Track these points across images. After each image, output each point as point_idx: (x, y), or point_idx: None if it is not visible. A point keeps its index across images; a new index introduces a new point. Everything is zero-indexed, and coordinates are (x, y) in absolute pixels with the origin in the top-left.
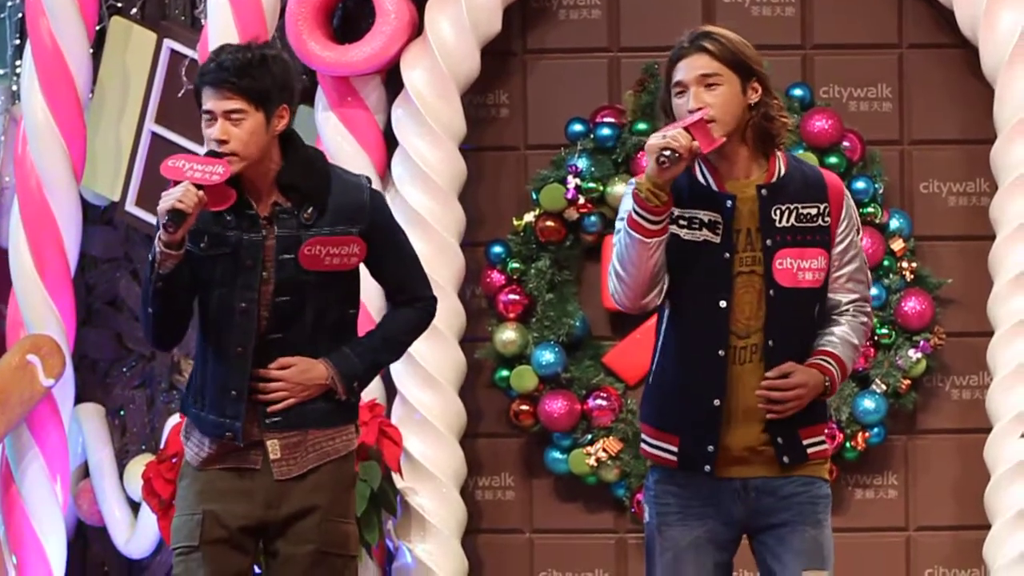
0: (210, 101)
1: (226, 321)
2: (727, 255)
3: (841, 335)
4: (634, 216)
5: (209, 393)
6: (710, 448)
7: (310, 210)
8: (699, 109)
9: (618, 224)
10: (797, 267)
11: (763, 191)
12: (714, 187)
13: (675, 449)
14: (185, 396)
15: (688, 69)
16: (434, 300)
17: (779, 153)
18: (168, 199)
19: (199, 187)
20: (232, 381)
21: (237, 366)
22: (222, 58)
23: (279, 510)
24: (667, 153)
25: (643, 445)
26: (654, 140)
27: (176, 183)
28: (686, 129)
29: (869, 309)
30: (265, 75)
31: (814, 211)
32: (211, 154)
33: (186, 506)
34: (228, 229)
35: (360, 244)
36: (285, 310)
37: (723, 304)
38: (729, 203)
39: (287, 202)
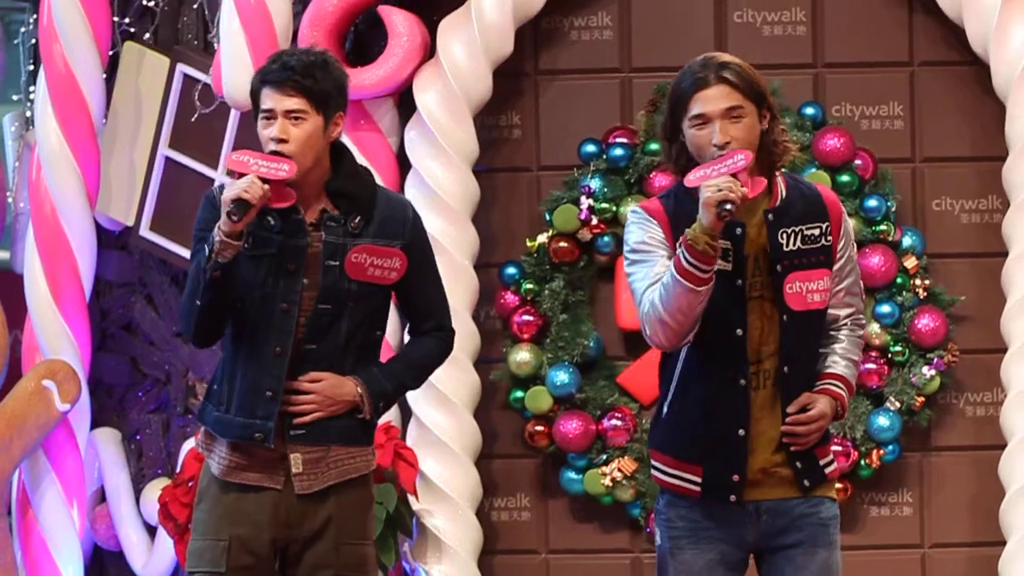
0: (271, 100)
1: (265, 322)
2: (739, 282)
3: (842, 353)
4: (686, 266)
5: (239, 395)
6: (735, 478)
7: (357, 219)
8: (740, 152)
9: (632, 257)
10: (806, 290)
11: (769, 216)
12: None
13: (698, 480)
14: (204, 405)
15: (712, 101)
16: (454, 333)
17: (778, 174)
18: (234, 189)
19: (265, 181)
20: (266, 382)
21: (274, 367)
22: (286, 59)
23: (300, 529)
24: (728, 207)
25: (658, 474)
26: (710, 193)
27: (240, 176)
28: (734, 176)
29: (863, 320)
30: (328, 78)
31: (817, 231)
32: (273, 154)
33: (209, 530)
34: (272, 232)
35: (402, 259)
36: (324, 319)
37: (739, 332)
38: (739, 231)
39: (335, 210)
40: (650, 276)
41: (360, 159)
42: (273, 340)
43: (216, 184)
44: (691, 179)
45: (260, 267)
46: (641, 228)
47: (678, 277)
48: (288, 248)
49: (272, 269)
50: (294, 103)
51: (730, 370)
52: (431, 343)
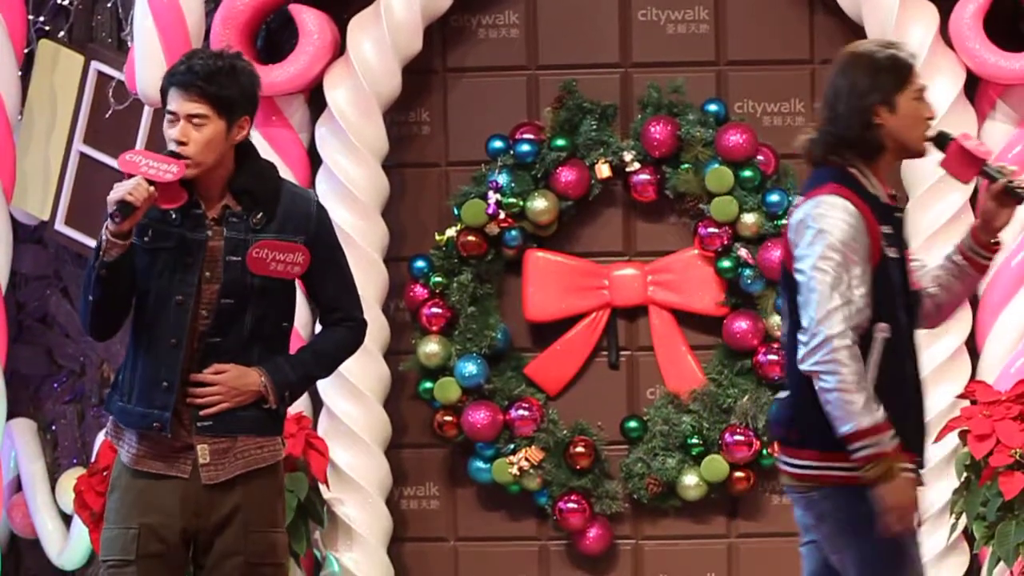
0: (175, 102)
1: (162, 314)
2: (903, 269)
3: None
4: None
5: (138, 385)
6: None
7: (259, 215)
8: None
9: (830, 254)
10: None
11: (896, 198)
12: (885, 200)
13: (912, 466)
14: (110, 394)
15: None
16: (365, 324)
17: None
18: (119, 190)
19: (151, 183)
20: (163, 373)
21: (169, 358)
22: (193, 62)
23: (208, 518)
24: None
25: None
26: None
27: (130, 176)
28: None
29: None
30: (233, 84)
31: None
32: (171, 154)
33: (119, 518)
34: (172, 226)
35: (305, 253)
36: (226, 313)
37: (906, 320)
38: (899, 215)
39: (237, 206)
40: (847, 294)
41: (271, 154)
42: (169, 332)
43: None
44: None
45: (157, 260)
46: (851, 226)
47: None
48: (187, 242)
49: (169, 263)
50: (196, 107)
51: (910, 359)
52: (340, 333)
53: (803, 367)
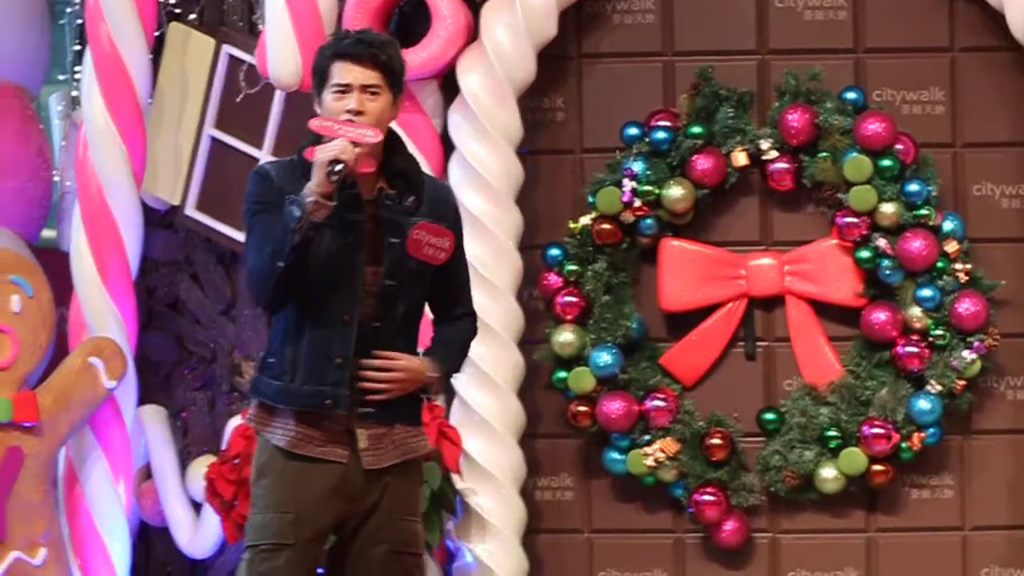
0: (347, 73)
1: (331, 291)
2: None
3: None
4: None
5: (305, 363)
6: None
7: (411, 199)
8: None
9: None
10: None
11: None
12: None
13: None
14: (258, 378)
15: None
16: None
17: None
18: (329, 151)
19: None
20: (336, 349)
21: (342, 334)
22: (359, 34)
23: (360, 504)
24: None
25: None
26: None
27: (323, 141)
28: None
29: None
30: (398, 58)
31: None
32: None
33: (274, 502)
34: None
35: (452, 240)
36: (388, 296)
37: None
38: None
39: (390, 189)
40: None
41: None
42: (340, 309)
43: (263, 162)
44: None
45: (323, 237)
46: None
47: None
48: (345, 222)
49: (334, 240)
50: (372, 77)
51: None
52: (466, 328)
53: None
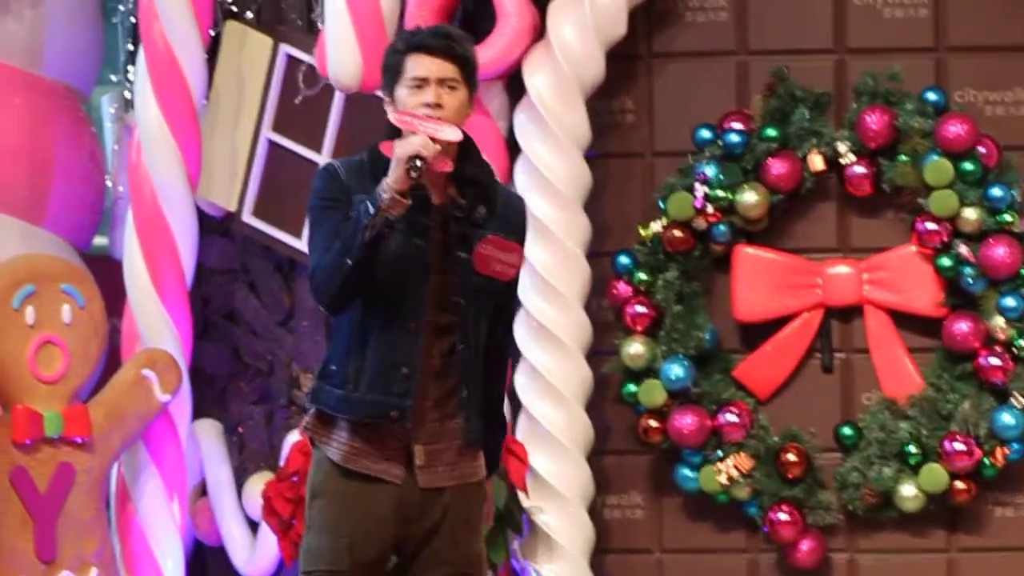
0: (424, 67)
1: (398, 295)
2: None
3: None
4: None
5: (370, 372)
6: None
7: (482, 211)
8: None
9: None
10: None
11: None
12: None
13: None
14: (319, 386)
15: None
16: None
17: None
18: (410, 146)
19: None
20: (402, 358)
21: (409, 343)
22: (436, 28)
23: (420, 525)
24: None
25: None
26: None
27: (408, 134)
28: None
29: None
30: (474, 52)
31: None
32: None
33: (328, 525)
34: None
35: (521, 256)
36: (463, 314)
37: None
38: None
39: (461, 198)
40: None
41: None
42: (407, 315)
43: (322, 162)
44: None
45: (390, 241)
46: None
47: None
48: (414, 225)
49: (401, 243)
50: (449, 70)
51: None
52: (502, 388)
53: None
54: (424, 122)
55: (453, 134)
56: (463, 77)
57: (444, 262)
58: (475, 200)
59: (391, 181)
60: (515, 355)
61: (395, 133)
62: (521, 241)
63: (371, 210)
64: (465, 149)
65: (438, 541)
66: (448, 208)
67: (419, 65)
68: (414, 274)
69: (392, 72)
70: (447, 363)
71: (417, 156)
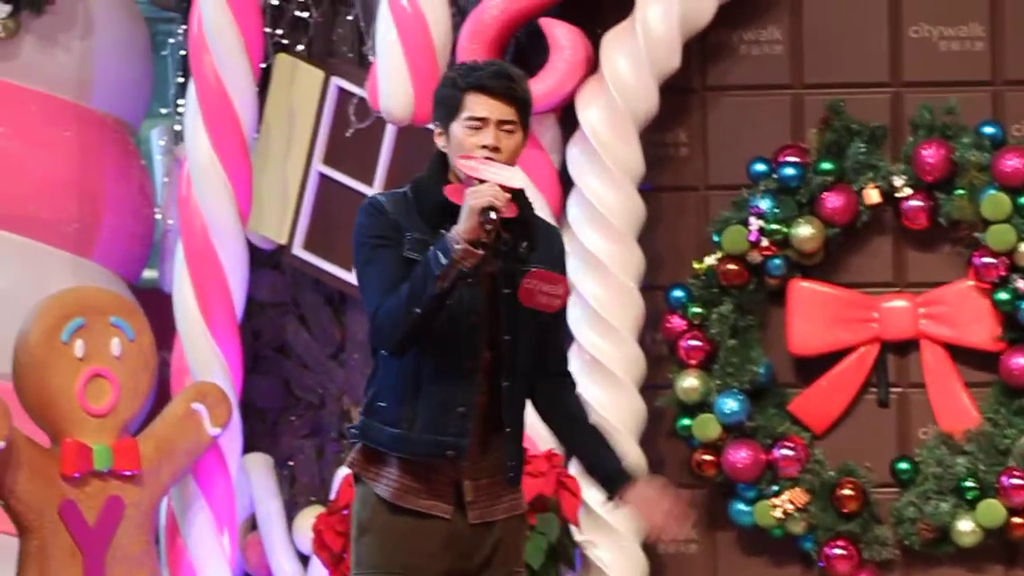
0: (484, 107)
1: (453, 336)
2: None
3: None
4: None
5: (426, 413)
6: None
7: (525, 244)
8: None
9: None
10: None
11: None
12: None
13: None
14: (366, 423)
15: None
16: None
17: None
18: (482, 196)
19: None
20: (459, 398)
21: (465, 382)
22: (496, 67)
23: (472, 559)
24: None
25: None
26: None
27: (471, 181)
28: None
29: None
30: (531, 94)
31: None
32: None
33: (378, 562)
34: None
35: (567, 287)
36: (509, 351)
37: None
38: None
39: (505, 232)
40: None
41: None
42: (463, 356)
43: (372, 194)
44: None
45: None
46: None
47: None
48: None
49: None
50: (509, 113)
51: None
52: (579, 396)
53: None
54: (490, 168)
55: (520, 181)
56: (520, 119)
57: (493, 300)
58: (519, 235)
59: (463, 232)
60: None
61: (441, 166)
62: (563, 271)
63: (443, 261)
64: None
65: (489, 574)
66: (494, 245)
67: (478, 105)
68: (467, 314)
69: (447, 106)
70: (493, 400)
71: (491, 207)
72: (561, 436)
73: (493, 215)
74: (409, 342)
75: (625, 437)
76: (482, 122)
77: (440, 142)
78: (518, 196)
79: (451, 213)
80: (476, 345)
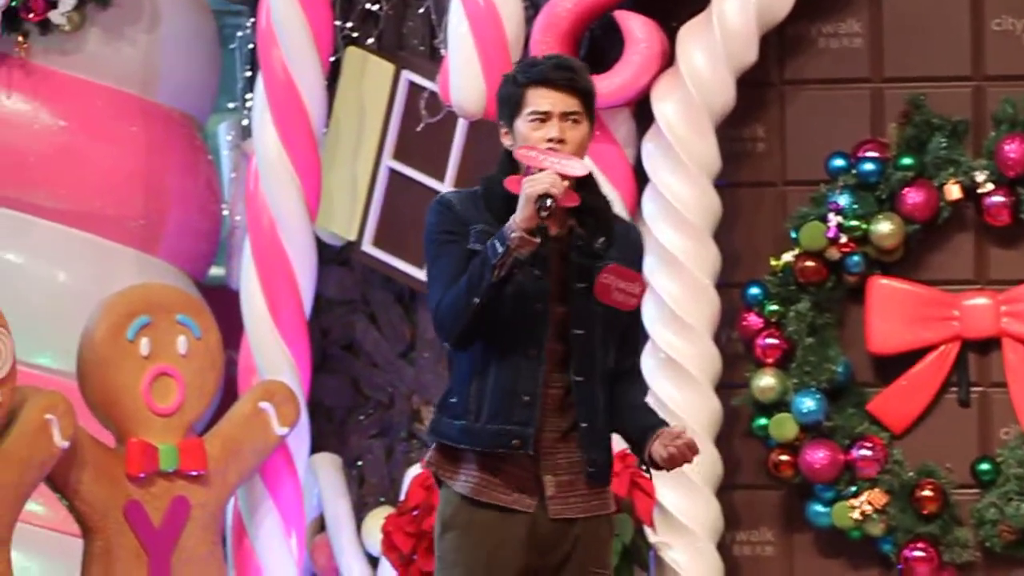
0: (548, 100)
1: (518, 323)
2: None
3: None
4: None
5: (491, 402)
6: None
7: (601, 240)
8: None
9: None
10: None
11: None
12: None
13: None
14: (439, 419)
15: None
16: None
17: None
18: (540, 184)
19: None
20: (523, 385)
21: (529, 370)
22: (557, 59)
23: (550, 556)
24: None
25: None
26: None
27: (531, 171)
28: None
29: None
30: (593, 85)
31: None
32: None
33: (461, 558)
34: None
35: (643, 285)
36: (581, 346)
37: None
38: None
39: (580, 227)
40: None
41: (594, 172)
42: (529, 341)
43: (444, 191)
44: None
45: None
46: None
47: None
48: (533, 256)
49: (521, 274)
50: (572, 104)
51: None
52: (644, 387)
53: None
54: (549, 157)
55: (580, 169)
56: (584, 110)
57: (564, 293)
58: (594, 230)
59: (519, 220)
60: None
61: (510, 164)
62: (640, 270)
63: (499, 249)
64: (583, 179)
65: (567, 572)
66: (568, 239)
67: (541, 99)
68: (534, 305)
69: (510, 104)
70: (567, 395)
71: (547, 195)
72: (619, 424)
73: (549, 202)
74: (470, 333)
75: (701, 437)
76: (545, 116)
77: (507, 141)
78: (585, 187)
79: (515, 206)
80: (541, 334)
